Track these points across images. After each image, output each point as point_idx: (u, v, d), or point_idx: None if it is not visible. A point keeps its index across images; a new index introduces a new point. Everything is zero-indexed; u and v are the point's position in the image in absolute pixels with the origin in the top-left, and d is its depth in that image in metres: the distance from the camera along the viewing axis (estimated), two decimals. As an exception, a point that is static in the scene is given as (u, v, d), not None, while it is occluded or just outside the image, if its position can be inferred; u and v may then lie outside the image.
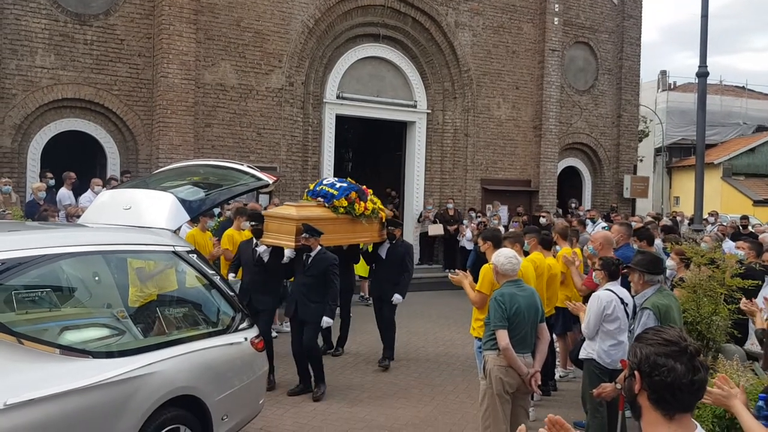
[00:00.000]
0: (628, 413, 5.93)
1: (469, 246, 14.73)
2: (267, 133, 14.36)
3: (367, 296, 12.04)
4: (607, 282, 5.62)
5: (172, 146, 12.98)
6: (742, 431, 2.99)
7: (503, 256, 5.20)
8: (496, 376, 4.93)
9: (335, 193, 8.10)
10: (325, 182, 8.44)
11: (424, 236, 16.37)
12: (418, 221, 16.50)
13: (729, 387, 2.98)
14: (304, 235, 7.18)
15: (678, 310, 5.22)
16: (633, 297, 5.42)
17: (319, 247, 7.28)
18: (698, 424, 1.98)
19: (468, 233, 15.09)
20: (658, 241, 10.27)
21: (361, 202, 8.25)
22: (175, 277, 5.32)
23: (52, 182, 11.44)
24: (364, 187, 8.70)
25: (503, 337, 4.87)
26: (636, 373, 1.98)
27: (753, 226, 15.24)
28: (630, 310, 5.45)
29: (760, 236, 10.75)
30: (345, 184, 8.29)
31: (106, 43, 12.81)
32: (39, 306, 4.16)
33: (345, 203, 8.06)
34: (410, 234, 16.56)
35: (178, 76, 13.04)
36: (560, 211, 17.72)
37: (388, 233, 8.84)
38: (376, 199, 8.75)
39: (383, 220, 8.80)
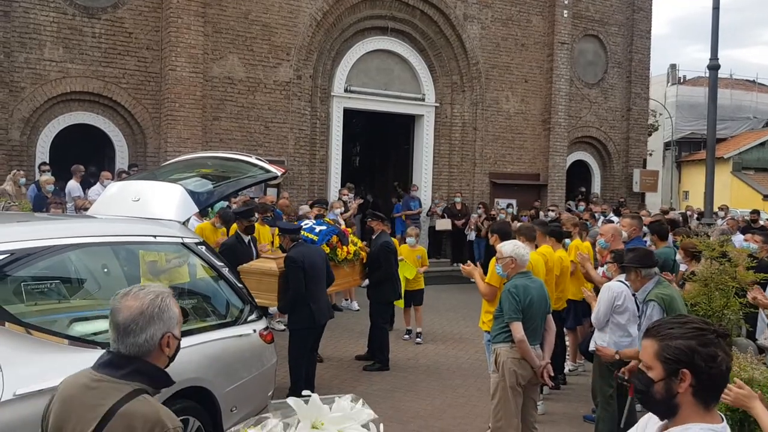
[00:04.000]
0: (638, 406, 5.90)
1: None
2: (275, 127, 14.34)
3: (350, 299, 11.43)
4: (619, 274, 5.58)
5: (180, 139, 12.99)
6: (757, 426, 2.95)
7: (521, 247, 5.20)
8: (509, 368, 4.90)
9: (315, 238, 7.30)
10: (302, 225, 7.55)
11: (431, 231, 16.34)
12: (427, 215, 16.47)
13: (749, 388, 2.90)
14: (279, 235, 6.64)
15: (681, 300, 5.20)
16: (634, 294, 5.36)
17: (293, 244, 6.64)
18: (723, 417, 1.93)
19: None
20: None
21: (343, 247, 7.56)
22: (187, 271, 5.30)
23: (49, 175, 11.13)
24: (344, 227, 8.15)
25: (519, 329, 4.85)
26: (685, 371, 1.86)
27: (764, 221, 15.10)
28: (640, 302, 5.41)
29: (772, 230, 10.65)
30: (324, 227, 7.56)
31: (115, 37, 12.81)
32: (48, 297, 4.15)
33: (327, 249, 7.25)
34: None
35: (186, 70, 13.03)
36: (571, 204, 17.65)
37: (368, 226, 8.42)
38: (356, 239, 8.20)
39: (364, 261, 8.19)
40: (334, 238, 7.50)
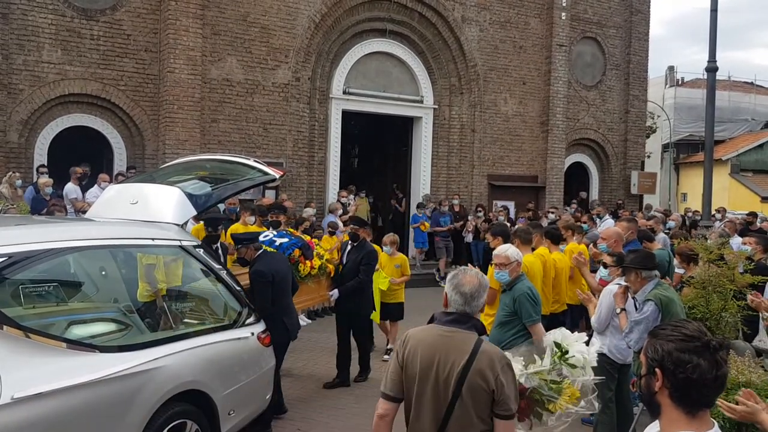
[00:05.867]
0: (635, 409, 5.91)
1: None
2: (273, 129, 14.34)
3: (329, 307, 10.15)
4: (619, 277, 5.58)
5: (179, 141, 12.98)
6: (754, 428, 2.94)
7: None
8: None
9: (275, 252, 6.65)
10: (261, 238, 6.71)
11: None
12: None
13: (754, 401, 2.89)
14: (238, 247, 6.14)
15: (680, 303, 5.20)
16: (634, 297, 5.36)
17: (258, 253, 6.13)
18: (715, 422, 1.94)
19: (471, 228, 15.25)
20: (662, 235, 10.26)
21: (307, 261, 6.90)
22: (180, 272, 5.30)
23: (47, 177, 10.89)
24: (309, 239, 7.51)
25: (543, 330, 4.88)
26: (657, 370, 1.92)
27: (762, 221, 15.10)
28: (639, 303, 5.42)
29: (772, 233, 10.65)
30: (285, 240, 6.83)
31: (113, 39, 12.81)
32: (46, 300, 4.15)
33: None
34: (413, 230, 16.51)
35: (185, 72, 13.03)
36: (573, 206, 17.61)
37: (351, 232, 7.68)
38: (323, 252, 7.61)
39: (332, 274, 7.53)
40: (296, 252, 6.83)
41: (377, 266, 8.24)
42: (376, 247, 8.47)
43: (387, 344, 8.76)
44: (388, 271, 8.60)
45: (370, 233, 8.24)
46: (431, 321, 3.14)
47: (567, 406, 3.15)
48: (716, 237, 8.35)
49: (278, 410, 6.29)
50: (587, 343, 3.46)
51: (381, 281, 8.36)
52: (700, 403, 1.90)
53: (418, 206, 15.46)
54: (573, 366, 3.23)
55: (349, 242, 7.70)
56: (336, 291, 7.43)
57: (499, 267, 5.14)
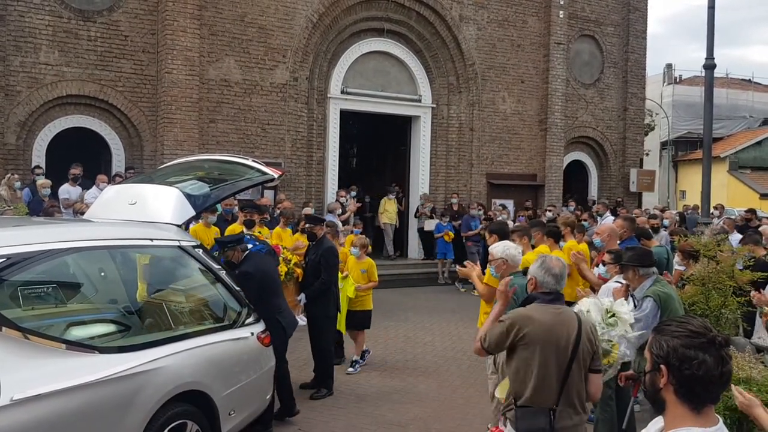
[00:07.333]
0: (636, 407, 5.91)
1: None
2: (271, 129, 14.33)
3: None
4: (617, 274, 5.59)
5: (177, 142, 12.97)
6: (754, 426, 2.96)
7: (512, 248, 5.21)
8: None
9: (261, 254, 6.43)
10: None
11: (421, 231, 16.17)
12: (415, 216, 16.30)
13: (750, 396, 2.91)
14: (224, 250, 6.02)
15: (678, 300, 5.20)
16: (632, 294, 5.36)
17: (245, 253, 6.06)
18: (720, 418, 1.94)
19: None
20: (662, 233, 10.26)
21: None
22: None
23: (45, 179, 10.94)
24: (276, 244, 7.36)
25: None
26: (662, 366, 1.92)
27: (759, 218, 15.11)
28: (638, 300, 5.42)
29: (761, 228, 10.65)
30: (250, 246, 6.49)
31: (110, 40, 12.79)
32: (45, 301, 4.14)
33: None
34: (412, 229, 16.55)
35: (183, 72, 13.02)
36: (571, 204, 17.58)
37: (308, 232, 7.41)
38: (290, 256, 7.44)
39: (299, 279, 7.31)
40: None
41: (346, 272, 7.94)
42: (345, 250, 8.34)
43: (353, 356, 8.22)
44: (355, 275, 8.01)
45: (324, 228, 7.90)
46: (529, 300, 3.72)
47: (617, 359, 4.13)
48: (710, 234, 8.35)
49: (289, 412, 6.27)
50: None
51: (348, 288, 7.82)
52: (705, 400, 1.90)
53: (442, 215, 15.21)
54: (610, 325, 4.12)
55: (308, 241, 7.49)
56: (303, 295, 7.17)
57: (490, 263, 5.27)
